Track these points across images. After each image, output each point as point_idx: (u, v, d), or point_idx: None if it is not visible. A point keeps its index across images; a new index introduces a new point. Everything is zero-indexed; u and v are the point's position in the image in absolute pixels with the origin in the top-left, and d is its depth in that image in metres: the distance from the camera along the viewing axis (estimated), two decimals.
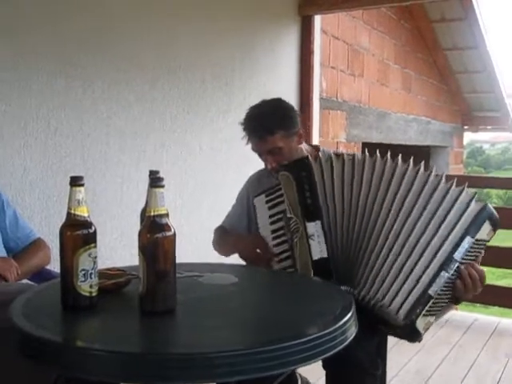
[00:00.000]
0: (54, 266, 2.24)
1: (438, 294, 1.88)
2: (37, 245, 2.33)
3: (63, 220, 1.45)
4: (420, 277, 1.87)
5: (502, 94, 8.54)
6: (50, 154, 2.71)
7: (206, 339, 1.27)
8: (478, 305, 9.21)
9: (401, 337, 1.94)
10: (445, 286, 1.88)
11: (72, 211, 1.42)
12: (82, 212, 1.43)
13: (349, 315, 1.39)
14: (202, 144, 3.62)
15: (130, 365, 1.19)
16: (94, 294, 1.43)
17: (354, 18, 5.63)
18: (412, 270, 1.88)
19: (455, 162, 8.78)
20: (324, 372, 1.99)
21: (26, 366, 1.46)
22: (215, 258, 2.43)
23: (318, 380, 2.06)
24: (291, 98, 4.48)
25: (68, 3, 2.76)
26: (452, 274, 1.88)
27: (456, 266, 1.88)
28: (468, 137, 11.00)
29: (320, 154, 2.17)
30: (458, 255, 1.88)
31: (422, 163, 2.03)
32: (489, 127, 9.94)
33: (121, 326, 1.38)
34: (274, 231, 2.13)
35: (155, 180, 1.39)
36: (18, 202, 2.55)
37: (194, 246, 3.41)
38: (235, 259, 2.35)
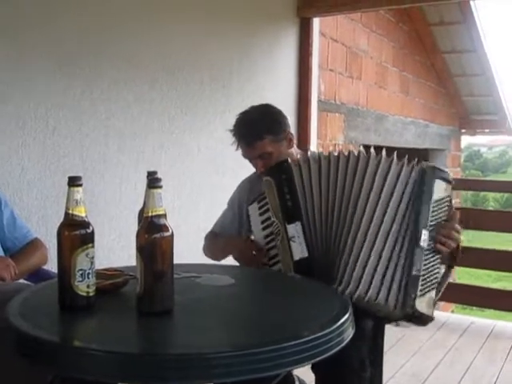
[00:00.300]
0: (51, 265, 2.24)
1: (425, 270, 1.91)
2: (34, 245, 2.33)
3: (61, 220, 1.45)
4: (397, 262, 1.91)
5: (500, 98, 8.55)
6: (48, 153, 2.71)
7: (203, 340, 1.27)
8: (475, 308, 9.24)
9: (412, 323, 1.95)
10: (427, 259, 1.92)
11: (70, 211, 1.42)
12: (80, 212, 1.43)
13: (345, 317, 1.39)
14: (200, 145, 3.62)
15: (127, 365, 1.19)
16: (91, 294, 1.43)
17: (352, 21, 5.64)
18: (390, 258, 1.92)
19: (453, 165, 8.79)
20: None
21: (22, 366, 1.46)
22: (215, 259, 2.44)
23: (310, 382, 2.06)
24: (289, 100, 4.49)
25: (67, 3, 2.77)
26: (428, 244, 1.92)
27: (427, 234, 1.92)
28: (465, 140, 11.01)
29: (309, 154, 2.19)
30: (423, 225, 1.93)
31: (395, 153, 2.08)
32: (486, 130, 9.95)
33: (118, 327, 1.38)
34: (266, 236, 2.15)
35: (153, 181, 1.39)
36: (16, 202, 2.55)
37: (191, 247, 3.40)
38: (233, 260, 2.36)
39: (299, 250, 2.01)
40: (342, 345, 1.33)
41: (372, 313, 1.96)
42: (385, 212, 1.96)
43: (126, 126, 3.10)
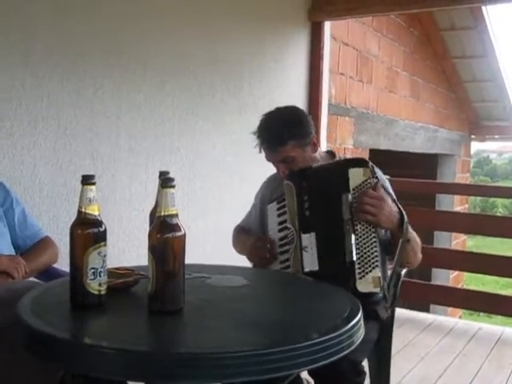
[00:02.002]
0: (62, 264, 2.25)
1: (360, 252, 1.95)
2: (45, 243, 2.33)
3: (71, 219, 1.46)
4: (343, 255, 1.97)
5: (511, 104, 8.51)
6: (59, 153, 2.72)
7: (214, 339, 1.27)
8: (482, 314, 9.21)
9: (371, 308, 1.96)
10: (359, 241, 1.97)
11: (83, 209, 1.43)
12: (93, 210, 1.44)
13: (356, 319, 1.39)
14: (211, 147, 3.62)
15: (138, 363, 1.19)
16: (102, 293, 1.44)
17: (363, 25, 5.64)
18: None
19: (462, 170, 8.76)
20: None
21: (33, 363, 1.47)
22: (222, 260, 2.44)
23: None
24: (300, 103, 4.49)
25: (79, 3, 2.78)
26: (355, 229, 1.97)
27: (349, 220, 1.97)
28: (475, 146, 10.96)
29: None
30: (346, 214, 1.98)
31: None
32: (496, 136, 9.92)
33: (129, 325, 1.38)
34: (280, 239, 2.15)
35: (166, 180, 1.40)
36: (27, 201, 2.56)
37: (201, 247, 3.42)
38: (244, 261, 2.36)
39: (310, 262, 2.01)
40: (353, 347, 1.33)
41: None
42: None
43: (137, 126, 3.11)
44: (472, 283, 11.78)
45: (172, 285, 1.39)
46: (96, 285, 1.42)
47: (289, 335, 1.30)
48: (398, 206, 2.03)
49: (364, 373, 1.96)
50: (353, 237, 1.96)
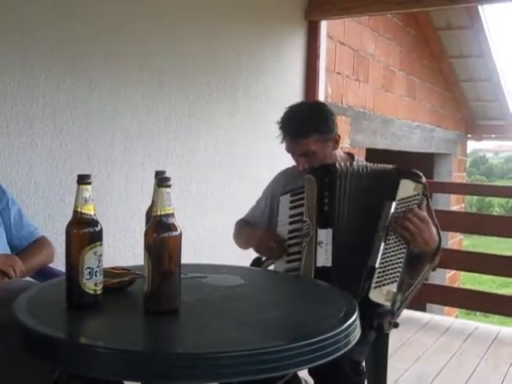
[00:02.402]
0: (58, 264, 2.24)
1: (384, 262, 1.94)
2: (41, 243, 2.33)
3: (67, 219, 1.46)
4: (362, 256, 1.97)
5: (507, 103, 8.53)
6: (55, 152, 2.71)
7: (210, 339, 1.27)
8: (478, 313, 9.22)
9: (376, 319, 1.97)
10: (387, 252, 1.95)
11: (79, 209, 1.43)
12: (89, 210, 1.43)
13: (352, 319, 1.39)
14: (207, 146, 3.62)
15: (134, 363, 1.19)
16: (98, 292, 1.44)
17: (360, 24, 5.64)
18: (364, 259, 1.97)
19: (458, 170, 8.77)
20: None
21: (29, 363, 1.46)
22: (218, 259, 2.44)
23: None
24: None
25: (77, 3, 2.77)
26: (388, 239, 1.95)
27: (385, 230, 1.97)
28: (471, 146, 10.98)
29: (354, 163, 2.21)
30: (383, 221, 1.97)
31: None
32: (493, 136, 9.93)
33: (125, 325, 1.38)
34: (290, 231, 2.15)
35: (162, 180, 1.39)
36: (23, 200, 2.56)
37: (197, 247, 3.42)
38: (240, 261, 2.36)
39: (324, 258, 2.01)
40: (349, 346, 1.33)
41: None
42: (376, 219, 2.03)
43: (133, 126, 3.11)
44: (468, 282, 11.79)
45: (168, 284, 1.39)
46: (92, 284, 1.42)
47: (286, 335, 1.30)
48: (438, 233, 2.03)
49: (364, 373, 1.96)
50: (382, 245, 1.96)
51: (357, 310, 1.47)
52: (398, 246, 1.97)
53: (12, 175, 2.53)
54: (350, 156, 2.38)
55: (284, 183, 2.36)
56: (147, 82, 3.16)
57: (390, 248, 1.96)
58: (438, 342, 3.92)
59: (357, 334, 1.40)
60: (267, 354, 1.18)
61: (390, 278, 1.94)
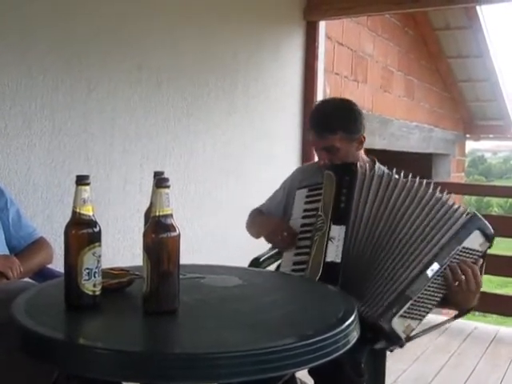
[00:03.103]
0: (57, 265, 2.24)
1: (420, 297, 1.90)
2: (39, 243, 2.33)
3: (66, 219, 1.45)
4: (400, 277, 1.91)
5: (505, 103, 8.54)
6: (54, 153, 2.71)
7: (209, 340, 1.27)
8: (477, 313, 9.22)
9: (384, 340, 1.95)
10: (428, 290, 1.91)
11: (77, 210, 1.43)
12: (88, 211, 1.43)
13: (351, 319, 1.39)
14: (205, 146, 3.62)
15: (132, 364, 1.19)
16: (97, 293, 1.43)
17: (358, 25, 5.64)
18: (395, 273, 1.92)
19: (457, 170, 8.78)
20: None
21: (27, 364, 1.46)
22: (216, 260, 2.44)
23: None
24: (294, 102, 4.49)
25: (75, 4, 2.77)
26: (435, 278, 1.90)
27: (440, 269, 1.91)
28: (469, 146, 10.98)
29: (375, 167, 2.20)
30: (440, 259, 1.91)
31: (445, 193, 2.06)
32: (491, 136, 9.94)
33: (124, 326, 1.38)
34: (303, 225, 2.16)
35: (161, 180, 1.39)
36: (21, 201, 2.56)
37: (195, 248, 3.42)
38: (238, 262, 2.36)
39: (334, 253, 2.00)
40: (348, 346, 1.33)
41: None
42: (424, 245, 1.96)
43: (132, 126, 3.11)
44: None
45: (167, 285, 1.38)
46: (91, 285, 1.41)
47: (284, 335, 1.30)
48: (476, 295, 2.00)
49: (365, 373, 1.96)
50: (430, 280, 1.91)
51: (356, 310, 1.47)
52: (441, 287, 1.92)
53: (10, 176, 2.53)
54: (373, 161, 2.38)
55: (301, 179, 2.38)
56: (145, 83, 3.16)
57: (433, 286, 1.91)
58: (436, 342, 3.92)
59: (356, 334, 1.40)
60: (266, 355, 1.18)
61: (417, 314, 1.91)
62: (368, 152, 2.32)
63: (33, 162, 2.63)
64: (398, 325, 1.88)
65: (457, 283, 1.90)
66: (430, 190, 2.03)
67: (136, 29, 3.08)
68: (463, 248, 1.94)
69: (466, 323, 4.60)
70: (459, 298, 1.95)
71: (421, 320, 1.92)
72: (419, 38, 7.14)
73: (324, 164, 2.23)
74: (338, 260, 1.99)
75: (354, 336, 1.39)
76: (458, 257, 1.93)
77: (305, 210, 2.18)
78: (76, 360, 1.22)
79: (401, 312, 1.88)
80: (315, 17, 4.60)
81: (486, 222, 2.01)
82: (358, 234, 2.02)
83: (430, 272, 1.90)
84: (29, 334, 1.30)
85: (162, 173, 1.68)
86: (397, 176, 2.09)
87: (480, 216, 2.01)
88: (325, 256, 2.01)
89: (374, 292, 1.93)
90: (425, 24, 6.98)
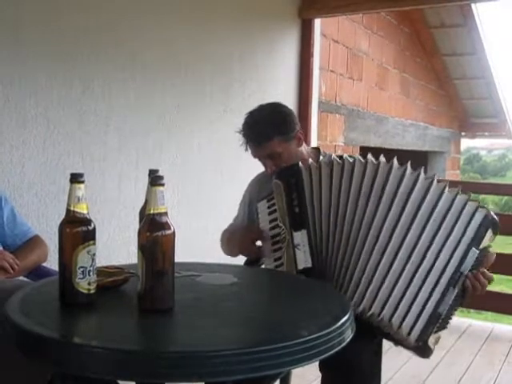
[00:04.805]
0: (51, 263, 2.24)
1: (447, 310, 1.89)
2: (34, 242, 2.32)
3: (61, 217, 1.45)
4: (429, 297, 1.88)
5: (500, 101, 8.56)
6: (48, 151, 2.70)
7: (204, 338, 1.27)
8: (472, 310, 9.23)
9: (409, 350, 1.94)
10: (452, 301, 1.90)
11: (71, 208, 1.42)
12: (82, 209, 1.43)
13: (346, 317, 1.39)
14: (200, 144, 3.62)
15: (128, 362, 1.18)
16: (92, 292, 1.43)
17: (353, 22, 5.64)
18: (419, 290, 1.88)
19: (452, 167, 8.80)
20: (318, 374, 1.99)
21: (22, 363, 1.45)
22: (212, 258, 2.44)
23: (311, 382, 2.05)
24: (290, 100, 4.49)
25: (68, 1, 2.76)
26: (459, 288, 1.90)
27: (463, 279, 1.90)
28: (465, 143, 11.03)
29: (321, 157, 2.17)
30: (464, 269, 1.90)
31: (422, 169, 1.97)
32: (486, 133, 9.96)
33: (118, 324, 1.37)
34: (272, 237, 2.12)
35: (155, 178, 1.39)
36: (16, 199, 2.55)
37: (191, 245, 3.41)
38: (233, 260, 2.36)
39: (303, 260, 1.98)
40: (343, 344, 1.33)
41: (376, 328, 1.95)
42: (406, 233, 1.91)
43: (126, 124, 3.10)
44: None
45: (161, 283, 1.38)
46: (85, 284, 1.41)
47: (279, 333, 1.30)
48: None
49: (377, 371, 1.97)
50: (454, 291, 1.90)
51: (350, 308, 1.47)
52: (461, 294, 1.93)
53: (5, 174, 2.53)
54: (317, 151, 2.38)
55: (258, 189, 2.36)
56: (140, 80, 3.16)
57: (456, 295, 1.91)
58: None
59: (351, 332, 1.40)
60: (260, 353, 1.17)
61: (444, 326, 1.92)
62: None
63: (27, 160, 2.62)
64: (431, 341, 1.89)
65: (476, 289, 1.93)
66: (421, 178, 1.95)
67: (131, 26, 3.08)
68: (480, 250, 1.93)
69: (461, 320, 4.61)
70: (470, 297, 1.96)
71: (447, 328, 1.93)
72: (414, 36, 7.15)
73: (272, 171, 2.21)
74: (309, 265, 1.97)
75: (349, 334, 1.39)
76: (477, 260, 1.92)
77: (271, 221, 2.13)
78: (71, 358, 1.22)
79: (434, 329, 1.89)
80: (310, 14, 4.60)
81: (494, 215, 1.97)
82: (322, 231, 1.99)
83: (457, 286, 1.90)
84: (23, 333, 1.30)
85: (156, 170, 1.68)
86: (350, 160, 2.01)
87: (490, 212, 1.96)
88: (296, 265, 1.99)
89: (397, 303, 1.88)
90: (420, 22, 6.99)
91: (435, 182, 1.95)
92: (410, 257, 1.90)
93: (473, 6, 6.67)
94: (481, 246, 1.92)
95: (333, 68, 5.28)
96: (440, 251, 1.90)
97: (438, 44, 7.41)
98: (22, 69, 2.57)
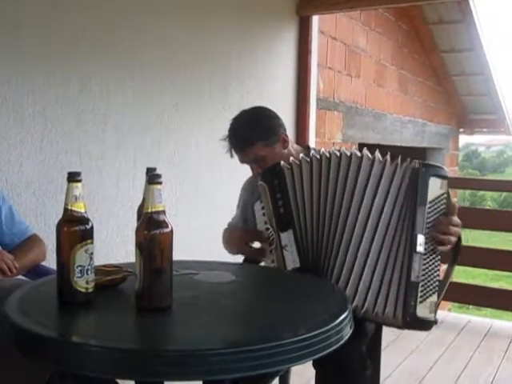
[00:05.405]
0: (50, 262, 2.23)
1: (424, 275, 1.88)
2: (32, 241, 2.32)
3: (59, 216, 1.45)
4: (393, 270, 1.89)
5: (499, 97, 8.55)
6: (46, 150, 2.70)
7: (202, 336, 1.27)
8: (471, 307, 9.26)
9: (408, 329, 1.94)
10: (426, 263, 1.89)
11: (69, 207, 1.42)
12: (79, 208, 1.43)
13: (344, 314, 1.39)
14: (198, 142, 3.61)
15: (126, 361, 1.19)
16: (90, 290, 1.43)
17: (351, 19, 5.63)
18: (385, 267, 1.90)
19: (450, 164, 8.79)
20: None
21: (20, 362, 1.45)
22: (209, 256, 2.44)
23: (309, 380, 2.06)
24: (288, 97, 4.49)
25: (67, 0, 2.76)
26: (426, 248, 1.89)
27: (422, 238, 1.88)
28: (463, 140, 11.02)
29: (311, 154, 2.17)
30: (419, 230, 1.88)
31: (389, 155, 1.99)
32: (485, 130, 9.96)
33: (117, 323, 1.38)
34: (268, 238, 2.11)
35: (153, 177, 1.39)
36: (14, 198, 2.54)
37: (189, 243, 3.41)
38: (232, 258, 2.36)
39: (291, 260, 1.97)
40: (341, 342, 1.33)
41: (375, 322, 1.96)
42: (379, 218, 1.93)
43: (124, 122, 3.10)
44: (461, 276, 11.82)
45: (160, 282, 1.38)
46: (83, 283, 1.41)
47: (277, 331, 1.30)
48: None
49: (370, 366, 1.97)
50: (422, 256, 1.88)
51: (349, 305, 1.47)
52: (434, 254, 1.91)
53: (2, 173, 2.52)
54: (306, 148, 2.38)
55: (252, 190, 2.37)
56: (138, 78, 3.15)
57: (428, 257, 1.90)
58: (431, 336, 3.92)
59: (349, 330, 1.40)
60: (258, 351, 1.17)
61: (431, 290, 1.89)
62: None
63: (25, 159, 2.61)
64: (423, 310, 1.87)
65: (446, 243, 1.93)
66: (365, 160, 1.98)
67: (129, 24, 3.07)
68: (429, 203, 1.91)
69: (460, 317, 4.63)
70: (450, 246, 1.96)
71: (437, 290, 1.90)
72: (412, 33, 7.14)
73: (258, 174, 2.21)
74: (298, 265, 1.97)
75: (348, 332, 1.39)
76: (431, 214, 1.91)
77: (265, 223, 2.13)
78: (69, 357, 1.22)
79: (418, 300, 1.87)
80: (308, 12, 4.59)
81: (433, 163, 1.98)
82: (307, 230, 1.99)
83: (420, 248, 1.88)
84: (22, 332, 1.30)
85: (154, 169, 1.68)
86: (327, 154, 2.02)
87: (424, 162, 1.94)
88: (285, 266, 1.98)
89: (367, 286, 1.91)
90: (418, 18, 6.98)
91: (399, 164, 1.95)
92: (372, 241, 1.93)
93: (471, 1, 6.66)
94: (430, 199, 1.90)
95: (331, 65, 5.27)
96: (388, 224, 1.92)
97: (436, 40, 7.40)
98: (19, 67, 2.57)
